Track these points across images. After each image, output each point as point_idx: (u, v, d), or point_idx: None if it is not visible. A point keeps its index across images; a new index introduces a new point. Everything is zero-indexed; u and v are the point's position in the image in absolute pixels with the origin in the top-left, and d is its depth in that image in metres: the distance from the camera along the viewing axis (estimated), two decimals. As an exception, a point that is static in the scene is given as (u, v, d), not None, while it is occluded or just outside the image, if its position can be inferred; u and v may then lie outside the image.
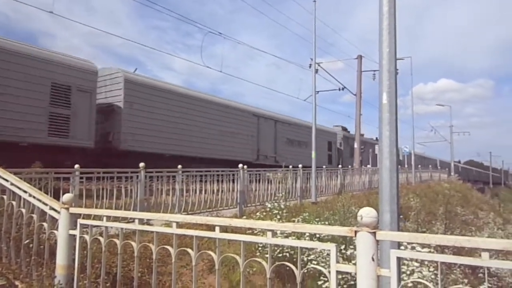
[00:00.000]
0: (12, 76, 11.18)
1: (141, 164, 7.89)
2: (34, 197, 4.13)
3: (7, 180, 4.53)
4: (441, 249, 6.12)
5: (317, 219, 8.41)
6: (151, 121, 15.16)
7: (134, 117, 14.65)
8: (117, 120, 14.38)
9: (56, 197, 5.06)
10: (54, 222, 3.87)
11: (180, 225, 2.94)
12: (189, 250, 2.80)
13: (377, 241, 2.05)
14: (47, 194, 4.85)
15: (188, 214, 8.18)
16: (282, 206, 8.49)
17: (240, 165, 10.23)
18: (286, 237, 4.67)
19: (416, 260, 5.54)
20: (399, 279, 2.02)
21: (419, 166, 29.93)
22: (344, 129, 33.38)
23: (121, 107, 14.40)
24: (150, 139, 14.99)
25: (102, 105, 14.30)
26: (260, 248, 6.21)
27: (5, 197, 4.53)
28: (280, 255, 6.09)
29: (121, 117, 14.32)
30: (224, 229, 2.72)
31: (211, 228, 2.75)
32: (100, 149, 13.77)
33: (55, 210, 3.80)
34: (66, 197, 3.73)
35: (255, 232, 4.89)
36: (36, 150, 11.32)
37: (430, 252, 4.61)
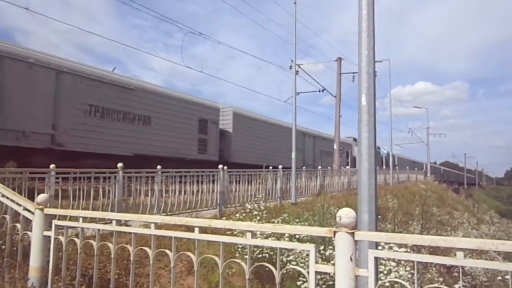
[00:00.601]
0: (182, 116, 17.40)
1: (119, 165, 7.77)
2: (7, 197, 4.01)
3: (-22, 180, 4.39)
4: (417, 248, 6.24)
5: (296, 220, 8.46)
6: (248, 141, 21.82)
7: (238, 139, 21.15)
8: (228, 141, 20.76)
9: (31, 197, 4.94)
10: (28, 223, 3.76)
11: (158, 226, 2.91)
12: (168, 252, 2.77)
13: (356, 241, 2.07)
14: (21, 194, 4.73)
15: (167, 215, 8.10)
16: (262, 207, 8.50)
17: (220, 166, 10.20)
18: (266, 238, 4.67)
19: (393, 260, 5.62)
20: (377, 279, 2.04)
21: (397, 167, 30.44)
22: (355, 139, 37.58)
23: (230, 132, 20.96)
24: (247, 154, 21.25)
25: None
26: (239, 249, 6.20)
27: (-24, 197, 4.39)
28: (260, 256, 6.10)
29: (231, 139, 20.87)
30: (204, 230, 2.70)
31: (190, 229, 2.73)
32: (219, 162, 17.72)
33: (29, 211, 3.70)
34: (41, 197, 3.64)
35: (235, 233, 4.88)
36: (191, 162, 16.64)
37: (406, 252, 4.69)
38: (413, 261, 2.05)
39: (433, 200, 21.96)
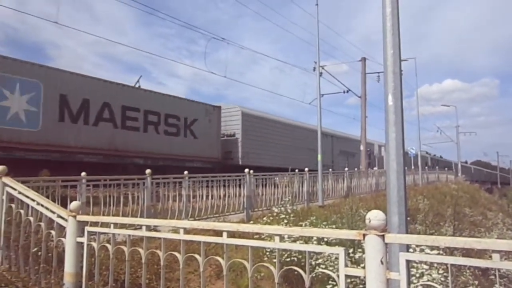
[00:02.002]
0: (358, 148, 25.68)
1: (147, 171, 7.91)
2: (41, 205, 4.15)
3: (15, 189, 4.55)
4: (450, 251, 6.07)
5: (324, 223, 8.38)
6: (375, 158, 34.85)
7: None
8: (373, 159, 33.30)
9: (64, 205, 5.08)
10: (61, 229, 3.88)
11: (187, 231, 2.94)
12: (197, 256, 2.79)
13: (386, 244, 2.03)
14: (54, 202, 4.88)
15: (195, 219, 8.19)
16: (289, 211, 8.47)
17: (246, 170, 10.22)
18: (294, 241, 4.66)
19: (425, 263, 5.49)
20: (409, 282, 2.00)
21: (426, 167, 29.78)
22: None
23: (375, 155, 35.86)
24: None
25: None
26: (267, 253, 6.19)
27: (13, 205, 4.56)
28: (288, 259, 6.07)
29: (377, 159, 34.62)
30: (232, 234, 2.71)
31: (218, 233, 2.74)
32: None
33: (63, 218, 3.81)
34: (73, 204, 3.74)
35: (263, 236, 4.88)
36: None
37: (439, 254, 4.57)
38: (446, 264, 2.00)
39: (465, 201, 21.32)
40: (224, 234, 2.66)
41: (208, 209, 8.93)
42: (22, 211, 4.43)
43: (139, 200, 7.73)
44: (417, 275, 5.40)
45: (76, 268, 3.57)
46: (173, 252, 2.97)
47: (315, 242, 5.55)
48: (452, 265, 1.99)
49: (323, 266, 5.76)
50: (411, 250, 4.00)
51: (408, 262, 2.02)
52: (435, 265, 5.60)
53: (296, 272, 2.40)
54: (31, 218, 4.28)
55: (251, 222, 8.88)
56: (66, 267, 3.61)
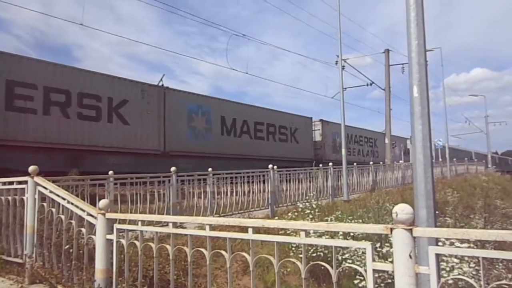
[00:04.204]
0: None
1: (172, 168, 8.01)
2: (72, 203, 4.26)
3: (46, 188, 4.69)
4: (481, 244, 5.91)
5: (350, 218, 8.30)
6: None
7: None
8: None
9: (93, 203, 5.21)
10: (91, 227, 3.98)
11: (213, 228, 2.96)
12: (223, 252, 2.82)
13: (414, 238, 2.00)
14: (83, 200, 5.01)
15: (220, 216, 8.24)
16: (314, 206, 8.42)
17: (270, 166, 10.21)
18: (320, 236, 4.63)
19: (456, 256, 5.37)
20: (439, 276, 1.96)
21: (454, 159, 29.06)
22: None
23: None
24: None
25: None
26: (293, 248, 6.18)
27: (45, 204, 4.70)
28: (314, 254, 6.05)
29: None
30: (257, 230, 2.72)
31: (243, 229, 2.76)
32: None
33: (92, 216, 3.90)
34: (102, 203, 3.83)
35: (288, 232, 4.87)
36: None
37: (470, 247, 4.46)
38: (477, 257, 1.95)
39: (496, 192, 20.69)
40: (250, 230, 2.67)
41: (233, 205, 8.98)
42: (53, 210, 4.57)
43: (165, 197, 7.85)
44: (447, 268, 5.29)
45: (107, 265, 3.66)
46: (199, 249, 3.01)
47: (341, 237, 5.52)
48: (484, 258, 1.94)
49: (350, 261, 5.71)
50: (440, 243, 3.93)
51: (437, 255, 1.98)
52: (466, 258, 5.47)
53: (322, 267, 2.39)
54: (62, 216, 4.41)
55: (276, 217, 8.88)
56: (97, 263, 3.70)
